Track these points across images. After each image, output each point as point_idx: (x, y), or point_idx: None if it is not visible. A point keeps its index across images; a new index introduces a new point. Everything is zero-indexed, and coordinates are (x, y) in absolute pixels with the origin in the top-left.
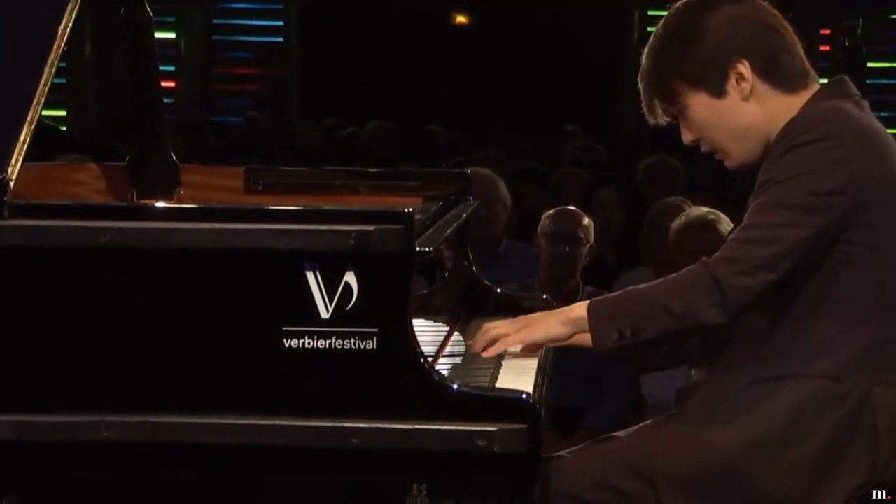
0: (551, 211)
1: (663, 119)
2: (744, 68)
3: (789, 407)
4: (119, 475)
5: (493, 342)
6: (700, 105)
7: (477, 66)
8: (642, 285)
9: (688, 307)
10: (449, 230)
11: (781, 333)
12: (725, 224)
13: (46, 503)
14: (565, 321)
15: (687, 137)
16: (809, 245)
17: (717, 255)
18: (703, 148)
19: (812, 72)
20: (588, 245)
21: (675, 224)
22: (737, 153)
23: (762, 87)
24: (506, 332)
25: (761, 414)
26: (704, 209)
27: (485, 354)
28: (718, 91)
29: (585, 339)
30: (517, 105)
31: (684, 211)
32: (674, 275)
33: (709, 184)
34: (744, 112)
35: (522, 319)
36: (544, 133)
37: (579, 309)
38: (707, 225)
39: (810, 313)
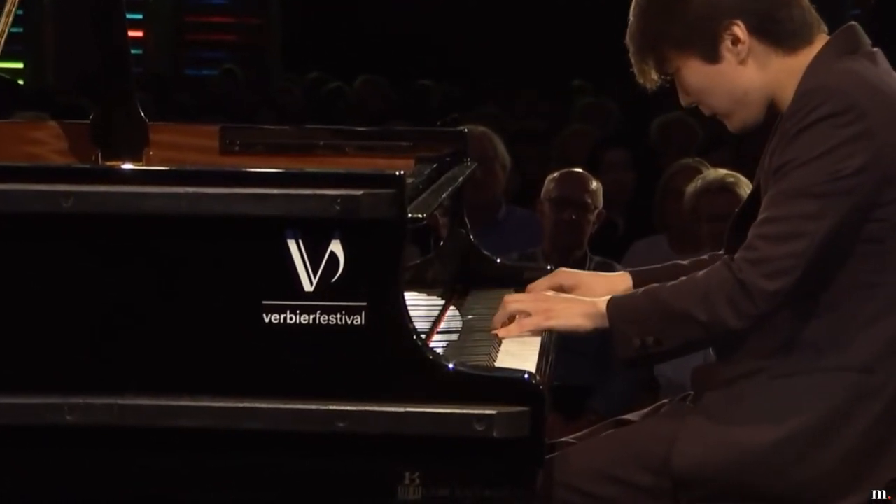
0: (556, 174)
1: (656, 83)
2: (738, 29)
3: (822, 402)
4: (84, 463)
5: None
6: (693, 70)
7: (474, 14)
8: (665, 285)
9: (714, 315)
10: (444, 194)
11: (809, 323)
12: (745, 187)
13: (3, 493)
14: (590, 314)
15: (684, 100)
16: (837, 232)
17: (741, 254)
18: (704, 111)
19: (818, 22)
20: (596, 211)
21: (692, 187)
22: (738, 117)
23: (760, 48)
24: (525, 309)
25: (793, 410)
26: (723, 171)
27: (501, 334)
28: (712, 55)
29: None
30: (519, 57)
31: (701, 173)
32: (697, 275)
33: (727, 141)
34: (741, 76)
35: (544, 299)
36: (548, 88)
37: (604, 304)
38: (726, 188)
39: (838, 301)
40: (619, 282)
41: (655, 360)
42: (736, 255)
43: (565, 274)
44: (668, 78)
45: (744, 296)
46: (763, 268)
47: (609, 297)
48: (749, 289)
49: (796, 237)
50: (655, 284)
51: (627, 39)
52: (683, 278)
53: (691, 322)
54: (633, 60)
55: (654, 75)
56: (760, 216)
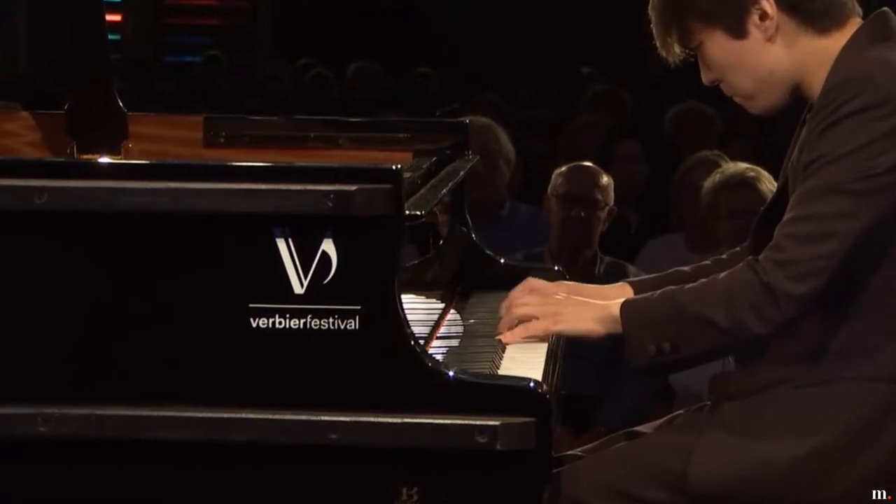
0: (563, 168)
1: (679, 57)
2: (767, 4)
3: (850, 414)
4: (58, 477)
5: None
6: (717, 45)
7: None
8: (683, 287)
9: (737, 320)
10: (444, 190)
11: (836, 329)
12: (767, 182)
13: None
14: (601, 319)
15: (706, 77)
16: (870, 233)
17: (766, 254)
18: (725, 90)
19: (852, 3)
20: (607, 208)
21: (709, 182)
22: (761, 99)
23: (789, 26)
24: (532, 312)
25: (818, 421)
26: (743, 165)
27: (506, 339)
28: (738, 30)
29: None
30: (523, 42)
31: (720, 167)
32: (718, 277)
33: (747, 133)
34: (767, 54)
35: (552, 301)
36: (556, 75)
37: (616, 307)
38: (746, 183)
39: (868, 306)
40: (621, 293)
41: (672, 368)
42: (761, 256)
43: (568, 287)
44: (692, 52)
45: (768, 300)
46: (790, 270)
47: (622, 299)
48: (774, 292)
49: (826, 238)
50: (672, 286)
51: (650, 9)
52: (703, 280)
53: (712, 327)
54: (655, 32)
55: (677, 48)
56: (788, 214)
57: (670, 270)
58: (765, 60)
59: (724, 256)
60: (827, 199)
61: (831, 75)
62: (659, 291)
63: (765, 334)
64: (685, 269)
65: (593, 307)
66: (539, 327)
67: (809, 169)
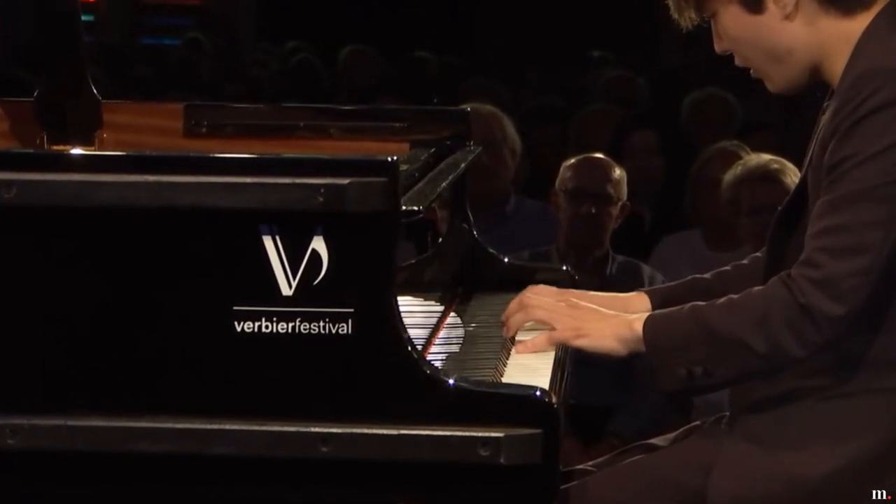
0: (573, 160)
1: (693, 23)
2: None
3: (881, 428)
4: (28, 493)
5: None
6: (732, 17)
7: None
8: (712, 306)
9: (774, 344)
10: (443, 184)
11: (866, 338)
12: (792, 175)
13: None
14: (624, 338)
15: (718, 46)
16: None
17: (801, 272)
18: (737, 62)
19: None
20: (619, 203)
21: (730, 176)
22: (777, 77)
23: (811, 6)
24: (549, 320)
25: (847, 436)
26: (766, 157)
27: (519, 349)
28: (754, 4)
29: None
30: (530, 24)
31: (741, 159)
32: (751, 294)
33: (771, 122)
34: (785, 32)
35: (574, 314)
36: (565, 60)
37: (640, 325)
38: (770, 177)
39: (895, 316)
40: (636, 302)
41: (702, 392)
42: (793, 272)
43: (574, 295)
44: (706, 20)
45: (808, 322)
46: (829, 289)
47: (645, 315)
48: (814, 314)
49: (862, 251)
50: (699, 303)
51: None
52: (732, 297)
53: (746, 351)
54: None
55: (693, 14)
56: (819, 223)
57: (688, 278)
58: (781, 38)
59: (745, 262)
60: (857, 206)
61: (852, 65)
62: (686, 308)
63: (804, 358)
64: (705, 276)
65: (616, 323)
66: (556, 339)
67: (836, 172)
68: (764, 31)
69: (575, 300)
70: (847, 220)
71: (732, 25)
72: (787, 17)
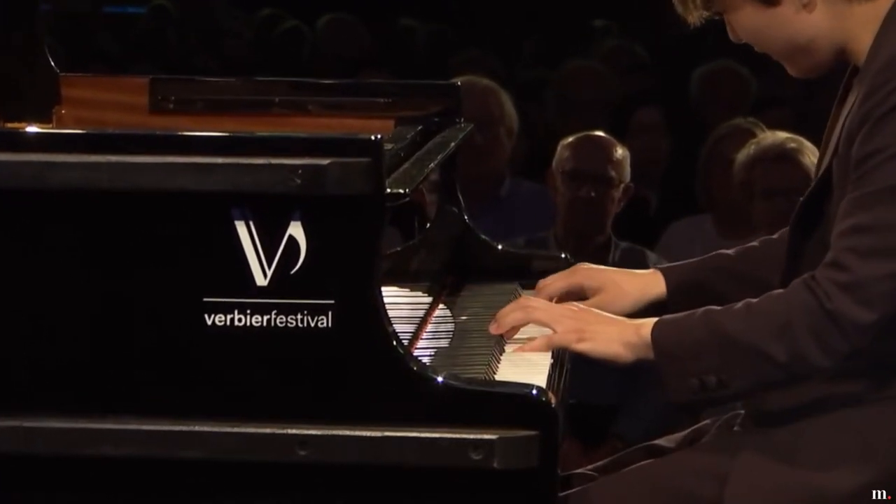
0: (571, 138)
1: (701, 19)
2: None
3: None
4: None
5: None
6: (746, 14)
7: None
8: (728, 310)
9: (797, 353)
10: (431, 164)
11: (890, 343)
12: (810, 155)
13: None
14: (632, 344)
15: (733, 36)
16: None
17: (826, 274)
18: (756, 49)
19: None
20: (622, 186)
21: (743, 155)
22: (800, 65)
23: None
24: (551, 323)
25: (876, 447)
26: (783, 135)
27: (517, 350)
28: None
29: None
30: None
31: (755, 137)
32: (771, 298)
33: (788, 98)
34: (804, 22)
35: (576, 316)
36: (564, 30)
37: (648, 330)
38: (786, 157)
39: None
40: (652, 282)
41: (715, 403)
42: (818, 274)
43: (586, 271)
44: (716, 16)
45: (834, 329)
46: (858, 293)
47: (653, 321)
48: (840, 321)
49: (891, 253)
50: (713, 307)
51: None
52: (750, 301)
53: (766, 360)
54: None
55: (702, 12)
56: (846, 221)
57: (711, 255)
58: (800, 28)
59: (775, 237)
60: (889, 205)
61: (879, 46)
62: (699, 312)
63: (829, 367)
64: (729, 253)
65: (622, 328)
66: (557, 342)
67: (865, 166)
68: (781, 22)
69: (578, 306)
70: (876, 220)
71: (748, 21)
72: (805, 7)
